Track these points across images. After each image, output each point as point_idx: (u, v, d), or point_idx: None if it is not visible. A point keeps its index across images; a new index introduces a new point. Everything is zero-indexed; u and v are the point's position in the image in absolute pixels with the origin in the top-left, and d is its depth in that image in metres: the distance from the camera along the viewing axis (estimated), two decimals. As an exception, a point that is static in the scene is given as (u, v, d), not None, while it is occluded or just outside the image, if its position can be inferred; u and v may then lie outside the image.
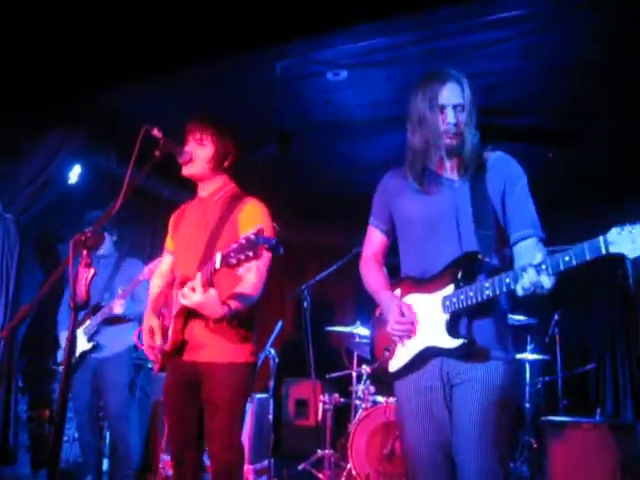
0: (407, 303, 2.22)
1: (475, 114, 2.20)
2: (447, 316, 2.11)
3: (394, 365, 2.26)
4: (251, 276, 2.64)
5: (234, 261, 2.24)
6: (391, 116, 4.63)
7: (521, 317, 4.96)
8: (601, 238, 1.74)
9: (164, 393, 2.81)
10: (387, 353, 2.28)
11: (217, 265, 2.33)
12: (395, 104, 4.48)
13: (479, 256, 2.10)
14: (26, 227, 4.74)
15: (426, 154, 2.22)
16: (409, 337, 2.18)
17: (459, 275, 2.10)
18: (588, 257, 1.76)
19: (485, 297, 2.00)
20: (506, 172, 2.24)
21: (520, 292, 1.90)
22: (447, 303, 2.11)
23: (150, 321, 2.82)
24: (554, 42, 3.69)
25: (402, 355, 2.23)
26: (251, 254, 2.19)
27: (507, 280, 1.94)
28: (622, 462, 3.49)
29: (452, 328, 2.11)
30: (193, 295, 2.44)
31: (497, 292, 1.98)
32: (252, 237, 2.19)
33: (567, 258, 1.79)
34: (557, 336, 5.33)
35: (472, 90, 2.20)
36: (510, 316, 4.66)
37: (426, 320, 2.17)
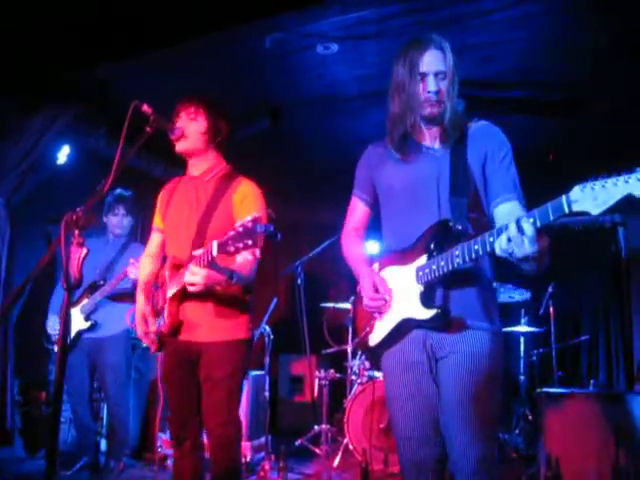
0: (382, 277, 2.21)
1: (458, 81, 2.15)
2: (421, 287, 2.09)
3: (374, 339, 2.25)
4: (245, 255, 2.61)
5: (232, 249, 2.22)
6: (383, 90, 4.58)
7: (515, 289, 4.97)
8: (564, 197, 1.66)
9: (164, 375, 2.80)
10: (368, 328, 2.27)
11: (214, 253, 2.30)
12: (386, 78, 4.43)
13: (450, 224, 2.07)
14: (17, 208, 4.70)
15: (405, 120, 2.18)
16: (383, 312, 2.19)
17: (431, 245, 2.07)
18: (552, 217, 1.68)
19: (456, 265, 1.96)
20: (488, 141, 2.19)
21: (498, 251, 1.81)
22: (420, 274, 2.08)
23: (142, 307, 2.81)
24: (548, 11, 3.64)
25: (381, 328, 2.22)
26: (250, 242, 2.17)
27: (476, 247, 1.89)
28: (615, 431, 3.52)
29: (426, 299, 2.08)
30: (197, 277, 2.43)
31: (467, 259, 1.92)
32: (249, 225, 2.16)
33: (532, 220, 1.72)
34: (551, 308, 5.36)
35: (454, 56, 2.14)
36: (503, 288, 4.72)
37: (402, 292, 2.15)
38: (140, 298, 2.86)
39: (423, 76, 2.13)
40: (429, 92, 2.12)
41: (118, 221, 4.48)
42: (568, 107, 4.70)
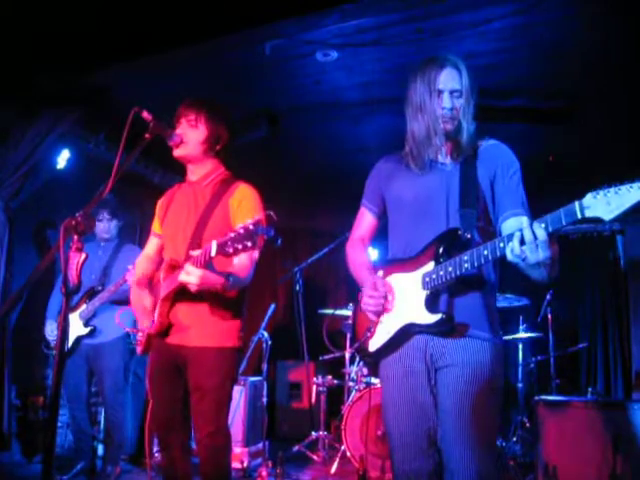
0: (384, 280, 2.22)
1: (473, 101, 2.20)
2: (427, 292, 2.10)
3: (374, 344, 2.25)
4: (243, 258, 2.61)
5: (231, 250, 2.20)
6: (381, 97, 4.60)
7: (514, 297, 4.97)
8: (577, 203, 1.69)
9: (149, 377, 2.77)
10: (368, 333, 2.27)
11: (213, 253, 2.28)
12: (385, 85, 4.45)
13: (459, 232, 2.10)
14: (15, 213, 4.69)
15: (431, 142, 2.22)
16: (381, 313, 2.19)
17: (439, 251, 2.09)
18: (564, 222, 1.72)
19: (464, 270, 1.98)
20: (498, 159, 2.23)
21: (510, 257, 1.83)
22: (427, 279, 2.10)
23: (142, 299, 2.79)
24: (546, 21, 3.65)
25: (382, 334, 2.22)
26: (249, 244, 2.15)
27: (485, 252, 1.91)
28: (613, 439, 3.52)
29: (431, 304, 2.10)
30: (192, 276, 2.39)
31: (475, 264, 1.95)
32: (251, 227, 2.15)
33: (543, 225, 1.75)
34: (549, 316, 5.36)
35: (471, 77, 2.20)
36: (503, 295, 4.73)
37: (407, 298, 2.16)
38: (135, 292, 2.84)
39: (439, 93, 2.18)
40: (444, 108, 2.17)
41: (104, 226, 4.49)
42: (566, 115, 4.71)
